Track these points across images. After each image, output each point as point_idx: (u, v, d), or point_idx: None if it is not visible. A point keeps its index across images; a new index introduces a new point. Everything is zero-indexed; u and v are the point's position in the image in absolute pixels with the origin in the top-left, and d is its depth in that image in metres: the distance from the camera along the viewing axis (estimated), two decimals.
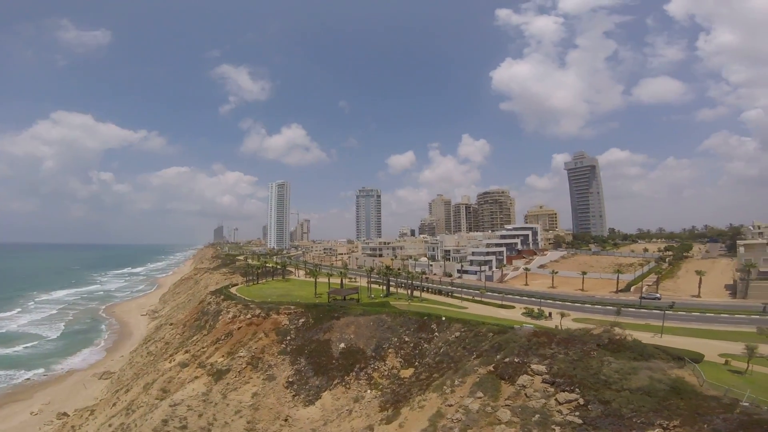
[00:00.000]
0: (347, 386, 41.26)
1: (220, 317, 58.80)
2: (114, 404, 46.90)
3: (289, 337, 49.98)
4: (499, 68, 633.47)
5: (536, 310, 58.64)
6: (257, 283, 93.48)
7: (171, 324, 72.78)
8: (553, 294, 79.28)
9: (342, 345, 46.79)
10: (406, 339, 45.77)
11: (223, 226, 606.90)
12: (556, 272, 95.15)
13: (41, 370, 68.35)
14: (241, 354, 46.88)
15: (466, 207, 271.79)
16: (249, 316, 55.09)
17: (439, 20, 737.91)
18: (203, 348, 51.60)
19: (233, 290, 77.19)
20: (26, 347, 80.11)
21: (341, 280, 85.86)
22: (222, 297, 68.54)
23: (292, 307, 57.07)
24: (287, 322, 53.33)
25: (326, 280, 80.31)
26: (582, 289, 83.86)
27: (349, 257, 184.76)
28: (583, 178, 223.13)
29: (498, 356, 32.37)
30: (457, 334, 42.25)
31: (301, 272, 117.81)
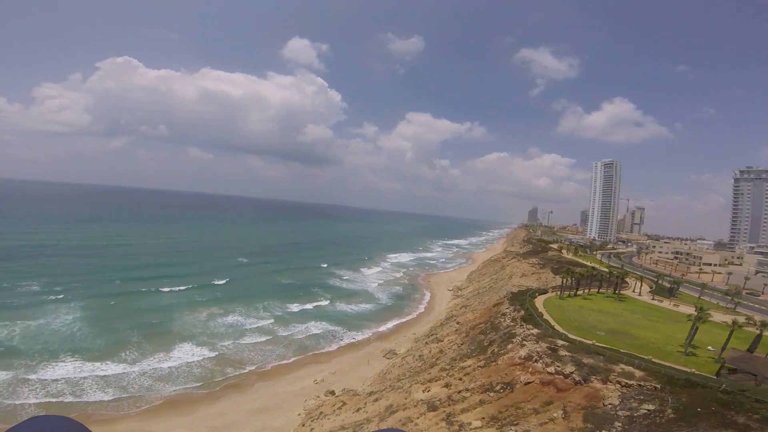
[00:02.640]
0: None
1: (509, 347, 36.53)
2: (358, 409, 37.00)
3: None
4: None
5: None
6: (575, 294, 63.44)
7: (457, 323, 58.02)
8: None
9: None
10: None
11: (538, 208, 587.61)
12: None
13: (355, 333, 72.30)
14: None
15: None
16: (551, 370, 29.73)
17: None
18: (466, 389, 31.85)
19: (539, 303, 53.10)
20: (359, 306, 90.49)
21: (760, 333, 41.47)
22: (521, 312, 46.52)
23: (637, 373, 28.90)
24: (615, 401, 26.74)
25: (692, 312, 40.53)
26: None
27: (728, 274, 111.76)
28: None
29: None
30: None
31: (643, 286, 75.69)
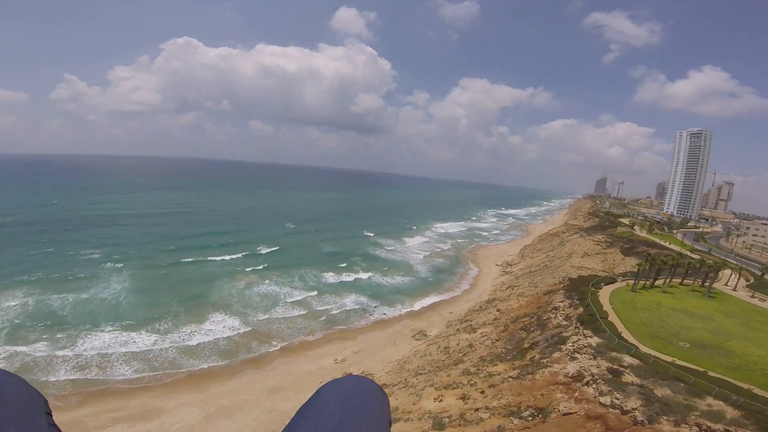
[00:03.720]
0: None
1: (554, 356, 29.42)
2: None
3: None
4: None
5: None
6: (652, 286, 50.86)
7: (498, 310, 50.56)
8: None
9: None
10: None
11: (607, 179, 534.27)
12: None
13: (387, 308, 68.88)
14: None
15: None
16: (606, 401, 22.42)
17: None
18: (486, 408, 25.52)
19: (604, 296, 42.52)
20: (396, 279, 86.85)
21: None
22: (578, 310, 37.67)
23: (729, 412, 20.90)
24: None
25: None
26: None
27: None
28: None
29: None
30: None
31: (739, 279, 58.53)
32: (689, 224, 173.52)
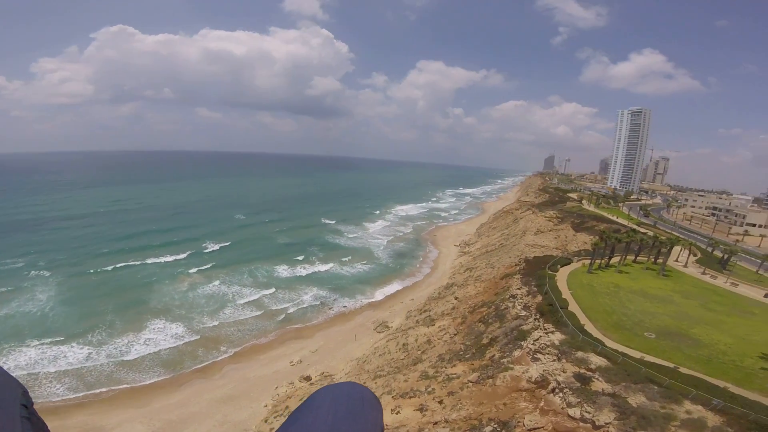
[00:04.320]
0: None
1: (515, 355, 28.12)
2: None
3: None
4: None
5: None
6: (608, 266, 50.17)
7: (455, 298, 49.51)
8: None
9: None
10: None
11: (555, 156, 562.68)
12: None
13: (347, 301, 66.61)
14: None
15: None
16: (575, 413, 20.88)
17: None
18: (446, 420, 23.63)
19: (561, 279, 41.23)
20: (355, 267, 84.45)
21: None
22: (537, 298, 36.29)
23: (710, 418, 19.51)
24: None
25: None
26: None
27: None
28: None
29: None
30: None
31: (689, 255, 58.43)
32: (632, 197, 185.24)
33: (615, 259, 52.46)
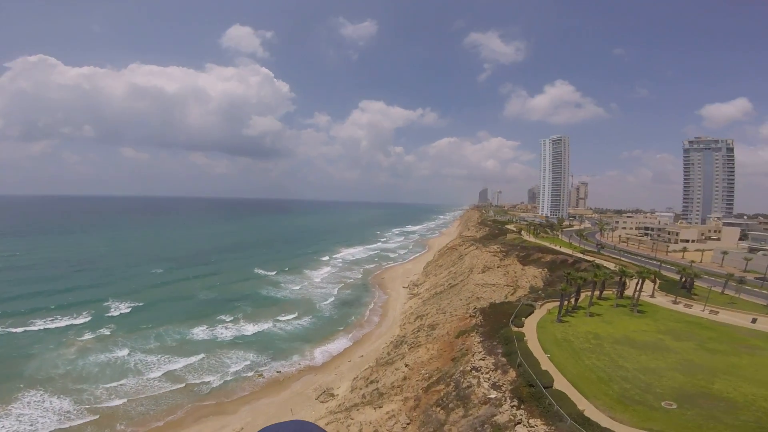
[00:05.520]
0: None
1: None
2: None
3: None
4: None
5: None
6: (575, 308, 44.05)
7: (406, 365, 40.56)
8: None
9: None
10: None
11: (488, 189, 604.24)
12: None
13: (282, 364, 56.66)
14: None
15: None
16: None
17: None
18: None
19: (531, 334, 34.95)
20: (292, 323, 74.45)
21: None
22: (509, 375, 28.52)
23: None
24: None
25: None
26: None
27: (722, 253, 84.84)
28: None
29: None
30: None
31: (652, 284, 53.54)
32: (564, 223, 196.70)
33: (582, 297, 47.92)
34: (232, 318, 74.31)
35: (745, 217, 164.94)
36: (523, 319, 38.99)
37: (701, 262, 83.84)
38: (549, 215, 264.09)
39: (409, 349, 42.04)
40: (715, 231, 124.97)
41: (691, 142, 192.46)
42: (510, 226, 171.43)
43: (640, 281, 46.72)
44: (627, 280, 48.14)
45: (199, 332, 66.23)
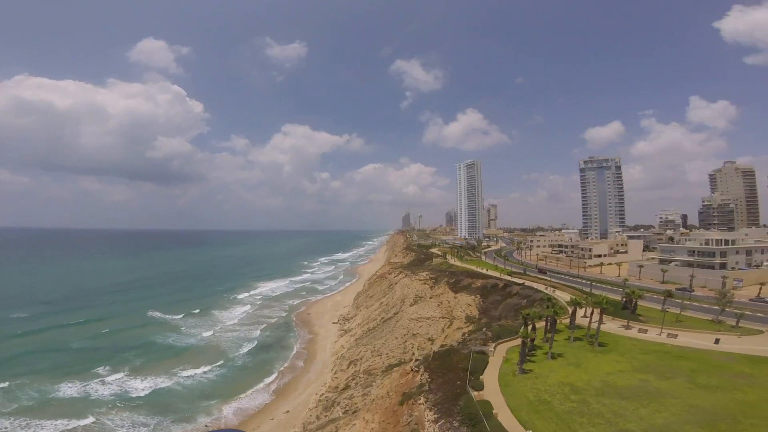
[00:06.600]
0: None
1: None
2: None
3: None
4: (727, 17, 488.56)
5: None
6: (532, 351, 37.32)
7: (343, 430, 34.01)
8: None
9: None
10: None
11: (410, 214, 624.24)
12: None
13: (180, 428, 45.05)
14: None
15: None
16: None
17: None
18: None
19: (500, 406, 26.21)
20: (194, 378, 61.67)
21: None
22: None
23: None
24: None
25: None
26: None
27: (639, 266, 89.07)
28: None
29: None
30: None
31: (596, 311, 45.13)
32: (483, 244, 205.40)
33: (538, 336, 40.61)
34: (112, 371, 59.57)
35: (642, 230, 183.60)
36: (481, 377, 31.31)
37: (619, 275, 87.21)
38: (467, 236, 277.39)
39: (344, 422, 34.00)
40: (621, 245, 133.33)
41: (585, 162, 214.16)
42: (434, 250, 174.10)
43: (598, 312, 42.53)
44: (577, 309, 44.77)
45: (67, 389, 52.12)
